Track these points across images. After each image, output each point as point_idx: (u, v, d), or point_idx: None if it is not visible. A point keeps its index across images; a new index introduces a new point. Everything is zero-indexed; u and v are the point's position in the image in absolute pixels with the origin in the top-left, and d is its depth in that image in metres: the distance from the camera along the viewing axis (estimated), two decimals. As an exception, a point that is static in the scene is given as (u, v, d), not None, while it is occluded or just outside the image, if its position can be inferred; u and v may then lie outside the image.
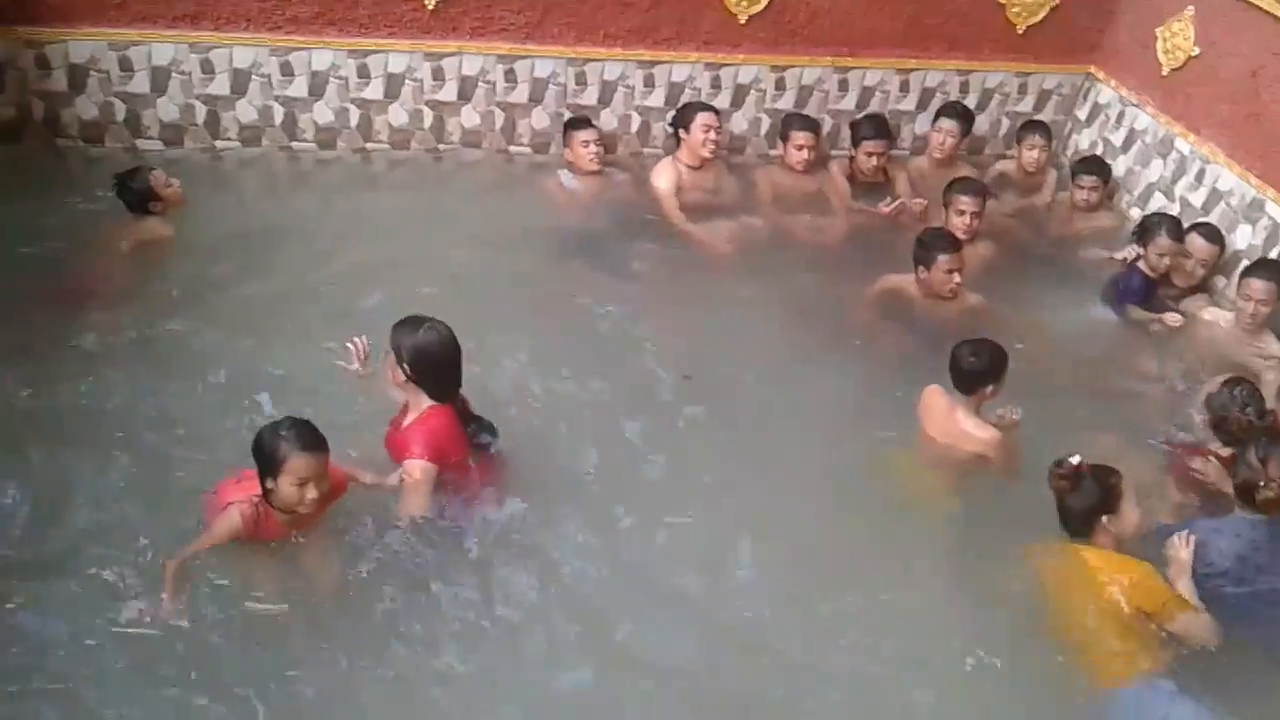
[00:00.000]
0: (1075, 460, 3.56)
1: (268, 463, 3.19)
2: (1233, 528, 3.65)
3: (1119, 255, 5.48)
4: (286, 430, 3.19)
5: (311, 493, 3.21)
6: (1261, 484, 3.55)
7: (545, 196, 5.62)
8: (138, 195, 4.69)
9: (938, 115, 6.12)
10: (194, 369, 4.17)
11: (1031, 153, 6.17)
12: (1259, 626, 3.59)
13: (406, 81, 5.55)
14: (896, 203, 5.77)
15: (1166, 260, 5.23)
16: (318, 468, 3.21)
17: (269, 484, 3.21)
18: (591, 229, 5.49)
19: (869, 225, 5.79)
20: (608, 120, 5.89)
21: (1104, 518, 3.56)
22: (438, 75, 5.57)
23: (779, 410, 4.54)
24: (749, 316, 5.08)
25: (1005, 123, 6.53)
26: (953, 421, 4.12)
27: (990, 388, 4.10)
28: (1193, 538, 3.61)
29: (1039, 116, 6.46)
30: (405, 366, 3.55)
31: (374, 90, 5.54)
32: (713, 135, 5.67)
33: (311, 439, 3.21)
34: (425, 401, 3.62)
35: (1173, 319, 5.18)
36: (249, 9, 5.21)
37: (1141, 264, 5.29)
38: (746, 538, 3.86)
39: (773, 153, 6.16)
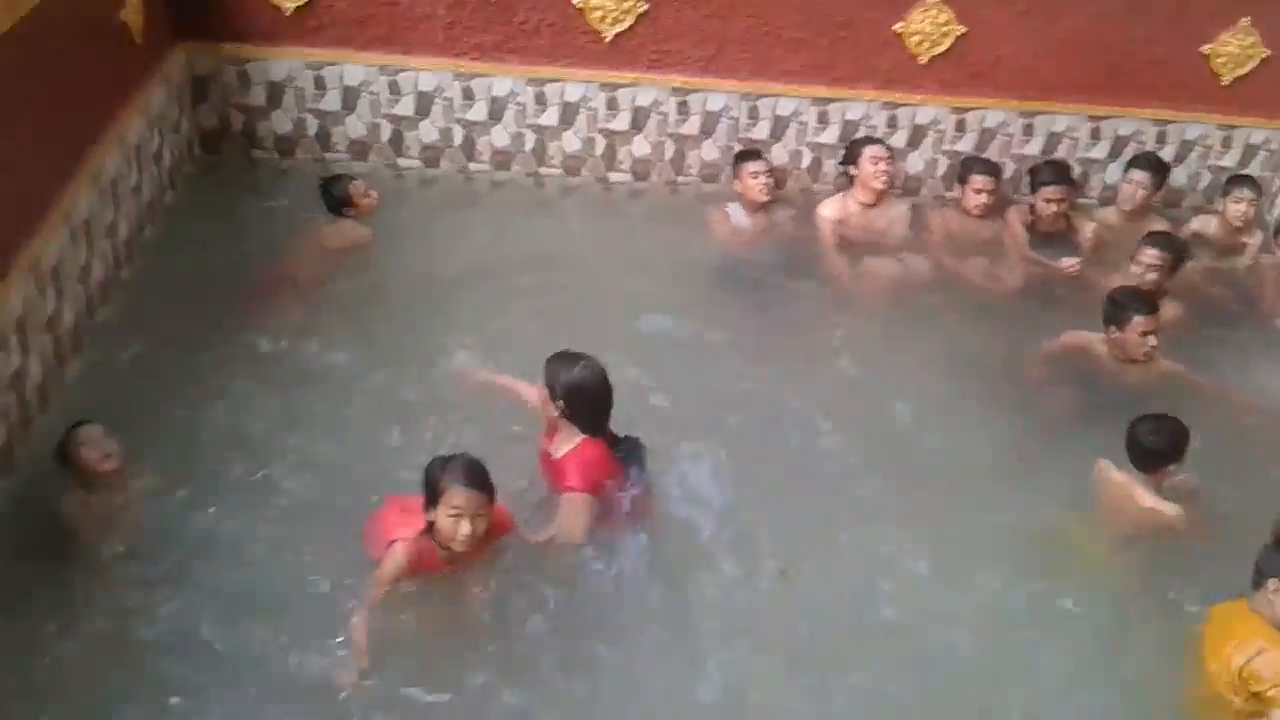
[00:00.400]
0: None
1: (430, 491, 3.24)
2: None
3: None
4: (453, 463, 3.25)
5: (466, 528, 3.22)
6: None
7: (711, 228, 5.58)
8: (336, 199, 5.03)
9: (1129, 165, 5.79)
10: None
11: (1238, 206, 5.75)
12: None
13: (582, 110, 5.65)
14: (1075, 263, 5.48)
15: None
16: (477, 504, 3.23)
17: (430, 514, 3.26)
18: (755, 263, 5.45)
19: (1045, 277, 5.51)
20: (779, 155, 5.84)
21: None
22: (612, 105, 5.64)
23: (938, 464, 4.34)
24: (909, 362, 4.90)
25: (1206, 176, 6.15)
26: (1130, 500, 3.89)
27: (1171, 467, 3.87)
28: None
29: (1244, 172, 6.05)
30: (560, 402, 3.60)
31: (550, 117, 5.66)
32: (883, 166, 5.55)
33: (475, 476, 3.25)
34: (578, 434, 3.65)
35: None
36: (436, 35, 5.41)
37: None
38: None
39: (949, 195, 5.97)
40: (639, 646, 3.49)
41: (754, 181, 5.55)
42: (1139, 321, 4.52)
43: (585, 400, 3.61)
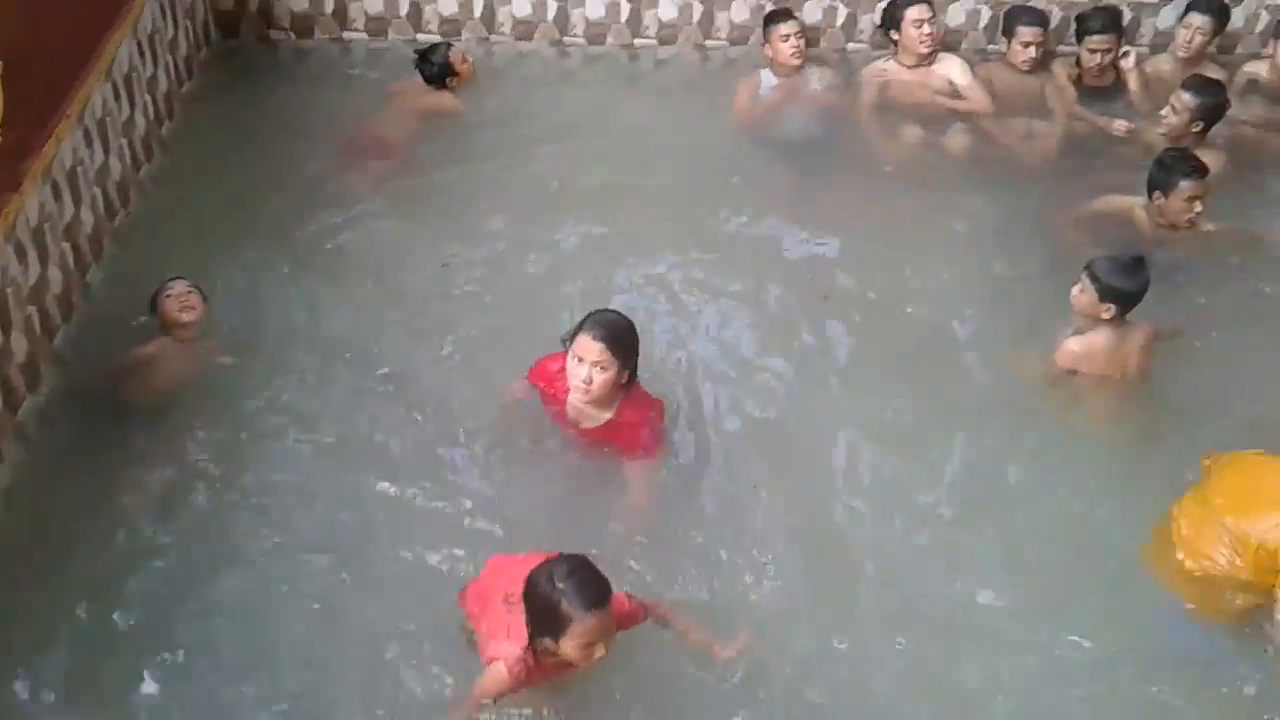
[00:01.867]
0: None
1: (548, 623, 2.69)
2: None
3: None
4: (569, 585, 2.67)
5: (601, 652, 2.73)
6: None
7: (742, 95, 5.39)
8: (437, 68, 5.12)
9: (1187, 9, 5.47)
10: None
11: (1302, 49, 5.48)
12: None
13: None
14: (1126, 126, 5.27)
15: None
16: (606, 625, 2.71)
17: (548, 644, 2.72)
18: (789, 134, 5.30)
19: (1094, 134, 5.33)
20: (811, 12, 5.62)
21: None
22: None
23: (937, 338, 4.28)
24: (945, 238, 4.80)
25: (1264, 17, 5.81)
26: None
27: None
28: None
29: (1300, 11, 5.73)
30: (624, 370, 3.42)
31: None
32: (927, 29, 5.32)
33: (597, 593, 2.69)
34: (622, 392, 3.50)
35: None
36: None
37: None
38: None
39: (991, 48, 5.73)
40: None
41: (784, 45, 5.34)
42: (1185, 186, 4.37)
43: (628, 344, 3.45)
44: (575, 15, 5.59)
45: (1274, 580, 3.17)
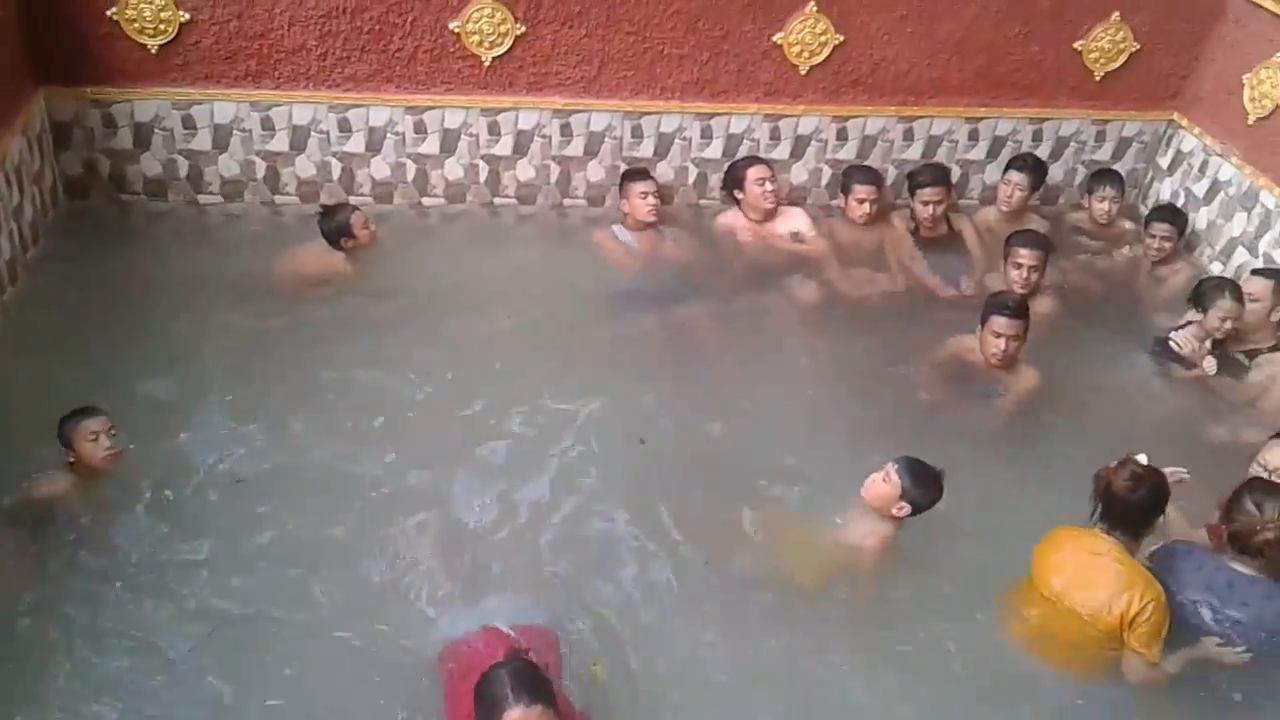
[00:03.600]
0: (1144, 459, 3.64)
1: (486, 713, 3.03)
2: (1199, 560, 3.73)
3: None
4: (501, 679, 3.02)
5: None
6: (1258, 528, 3.56)
7: (601, 251, 5.67)
8: (334, 227, 5.21)
9: (1007, 167, 6.03)
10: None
11: (1102, 205, 6.05)
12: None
13: (463, 136, 5.68)
14: (954, 293, 5.69)
15: (1229, 324, 5.07)
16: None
17: None
18: (646, 285, 5.54)
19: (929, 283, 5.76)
20: (664, 172, 5.94)
21: (1159, 518, 3.69)
22: (494, 130, 5.68)
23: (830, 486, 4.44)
24: (803, 381, 5.08)
25: (1081, 171, 6.41)
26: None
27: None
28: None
29: (1118, 165, 6.34)
30: None
31: (430, 145, 5.68)
32: (769, 187, 5.72)
33: (531, 691, 3.01)
34: None
35: (1207, 365, 5.10)
36: (308, 67, 5.38)
37: (1179, 336, 5.13)
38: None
39: (834, 204, 6.13)
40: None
41: (642, 202, 5.64)
42: (994, 322, 4.74)
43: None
44: (435, 176, 5.77)
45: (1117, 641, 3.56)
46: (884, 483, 3.89)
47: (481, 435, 4.48)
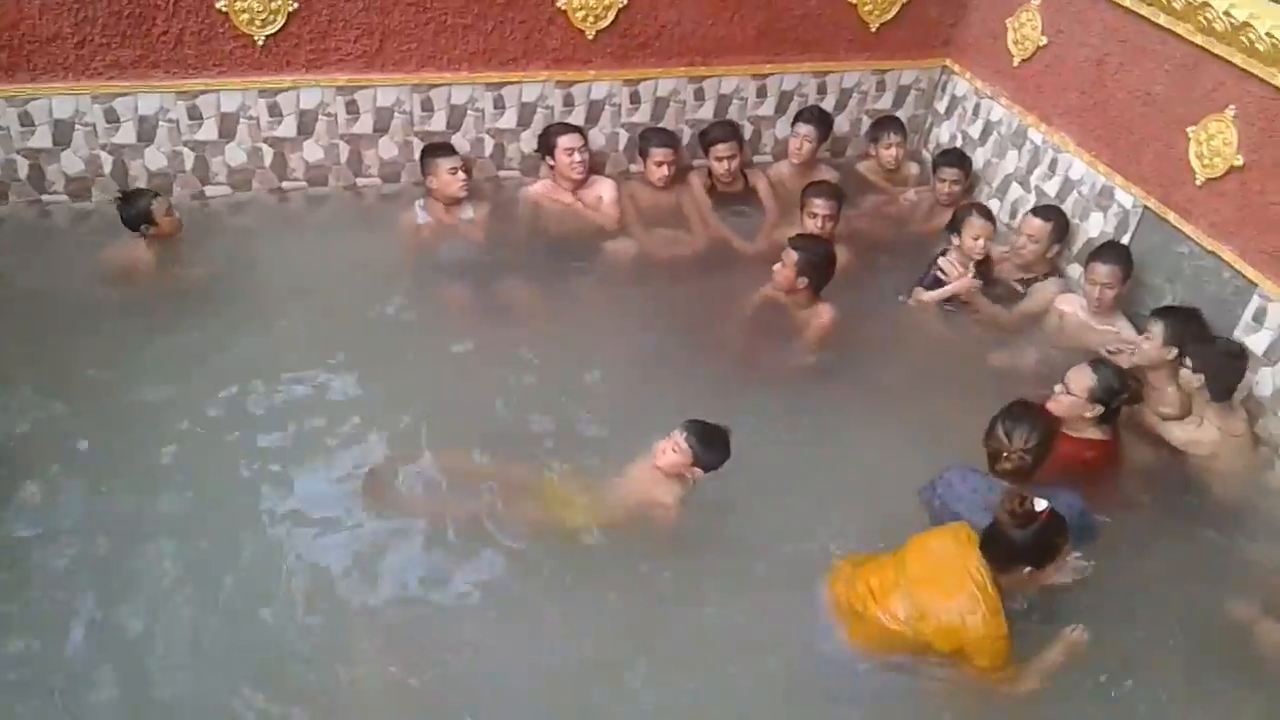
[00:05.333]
0: (1041, 507, 3.47)
1: None
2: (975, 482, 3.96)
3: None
4: None
5: None
6: (1004, 454, 3.84)
7: (403, 229, 5.61)
8: (135, 213, 5.02)
9: (795, 120, 6.26)
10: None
11: (888, 151, 6.36)
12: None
13: (242, 120, 5.51)
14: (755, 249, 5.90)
15: (982, 242, 5.46)
16: None
17: None
18: (453, 260, 5.53)
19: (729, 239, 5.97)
20: (460, 145, 5.89)
21: (1028, 569, 3.51)
22: (274, 111, 5.54)
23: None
24: (612, 344, 5.19)
25: (865, 121, 6.70)
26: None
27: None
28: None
29: (898, 113, 6.66)
30: None
31: (208, 131, 5.50)
32: (577, 156, 5.76)
33: None
34: None
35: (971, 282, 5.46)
36: (66, 56, 5.12)
37: (943, 261, 5.52)
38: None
39: (634, 167, 6.24)
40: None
41: (452, 177, 5.56)
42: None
43: None
44: (215, 163, 5.59)
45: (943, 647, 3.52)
46: (674, 452, 4.02)
47: (273, 418, 4.47)
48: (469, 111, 5.87)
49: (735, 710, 3.61)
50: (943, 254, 5.57)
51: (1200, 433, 4.58)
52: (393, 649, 3.64)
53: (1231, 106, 4.82)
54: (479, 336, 5.10)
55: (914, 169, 6.52)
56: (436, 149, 5.67)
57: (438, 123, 5.84)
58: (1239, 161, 4.79)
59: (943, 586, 3.52)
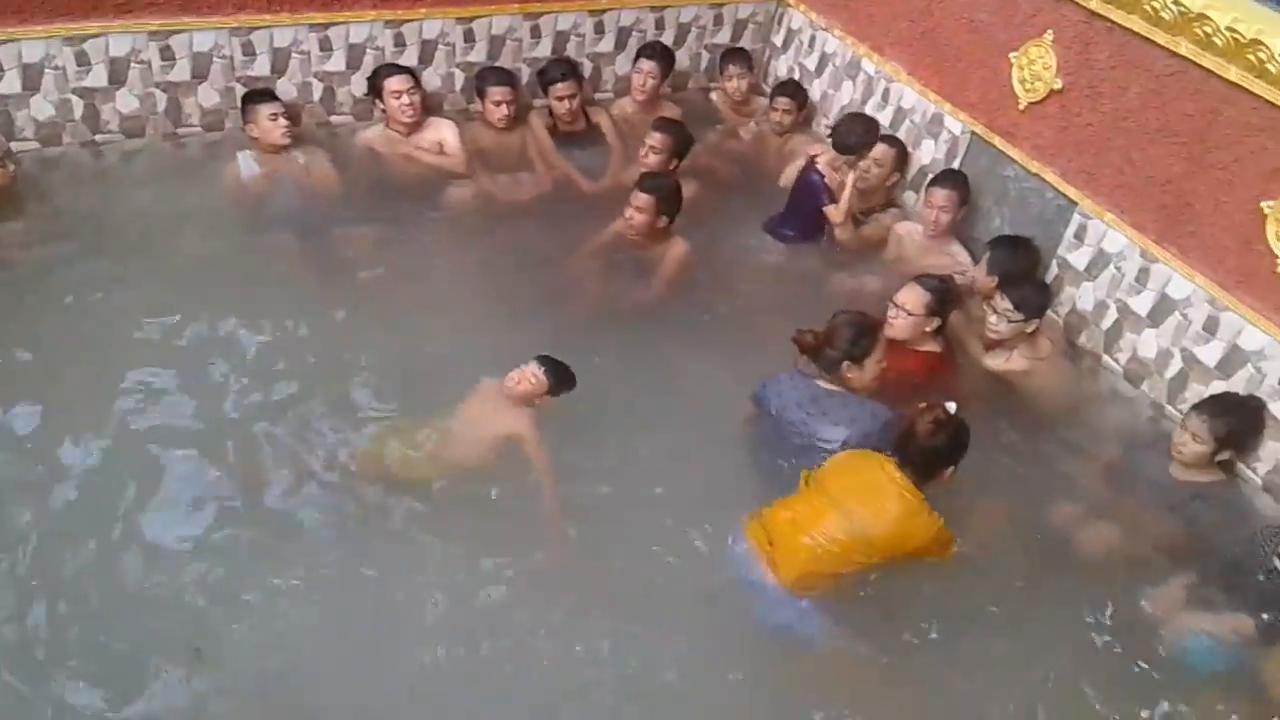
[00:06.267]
0: (953, 408, 3.70)
1: None
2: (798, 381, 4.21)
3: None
4: None
5: None
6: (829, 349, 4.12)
7: (229, 181, 5.37)
8: None
9: (637, 56, 6.22)
10: None
11: (731, 82, 6.42)
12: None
13: (47, 70, 5.18)
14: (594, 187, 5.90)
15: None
16: None
17: None
18: (285, 212, 5.33)
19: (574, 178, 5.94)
20: (286, 90, 5.69)
21: (950, 470, 3.75)
22: (82, 60, 5.22)
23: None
24: (459, 290, 5.14)
25: (705, 56, 6.73)
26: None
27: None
28: None
29: (738, 46, 6.68)
30: None
31: (9, 85, 5.15)
32: (406, 99, 5.61)
33: None
34: None
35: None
36: None
37: (821, 165, 5.65)
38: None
39: (472, 108, 6.13)
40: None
41: (272, 124, 5.35)
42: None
43: None
44: (21, 117, 5.25)
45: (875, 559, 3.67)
46: (530, 381, 4.13)
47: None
48: (294, 54, 5.65)
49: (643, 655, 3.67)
50: (808, 169, 5.61)
51: (1010, 364, 4.84)
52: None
53: (1050, 31, 5.01)
54: (314, 290, 4.97)
55: (761, 101, 6.57)
56: (255, 95, 5.44)
57: (261, 67, 5.60)
58: (1058, 85, 5.00)
59: (875, 498, 3.68)
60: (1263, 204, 4.26)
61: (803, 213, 5.66)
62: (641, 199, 5.05)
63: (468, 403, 4.23)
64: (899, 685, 3.70)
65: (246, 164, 5.38)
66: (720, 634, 3.76)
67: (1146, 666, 3.76)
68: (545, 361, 4.19)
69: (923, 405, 3.74)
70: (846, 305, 4.46)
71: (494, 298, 5.11)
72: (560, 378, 4.18)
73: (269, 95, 5.47)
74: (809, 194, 5.63)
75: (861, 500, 3.68)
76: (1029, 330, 4.73)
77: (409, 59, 5.87)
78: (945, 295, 4.61)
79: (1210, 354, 4.54)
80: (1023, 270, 4.98)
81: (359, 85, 5.84)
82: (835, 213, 5.49)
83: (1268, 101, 4.16)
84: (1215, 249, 4.50)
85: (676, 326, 5.04)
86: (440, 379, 4.51)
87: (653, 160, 5.48)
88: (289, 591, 3.67)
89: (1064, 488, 4.40)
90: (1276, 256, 4.24)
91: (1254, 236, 4.33)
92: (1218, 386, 4.49)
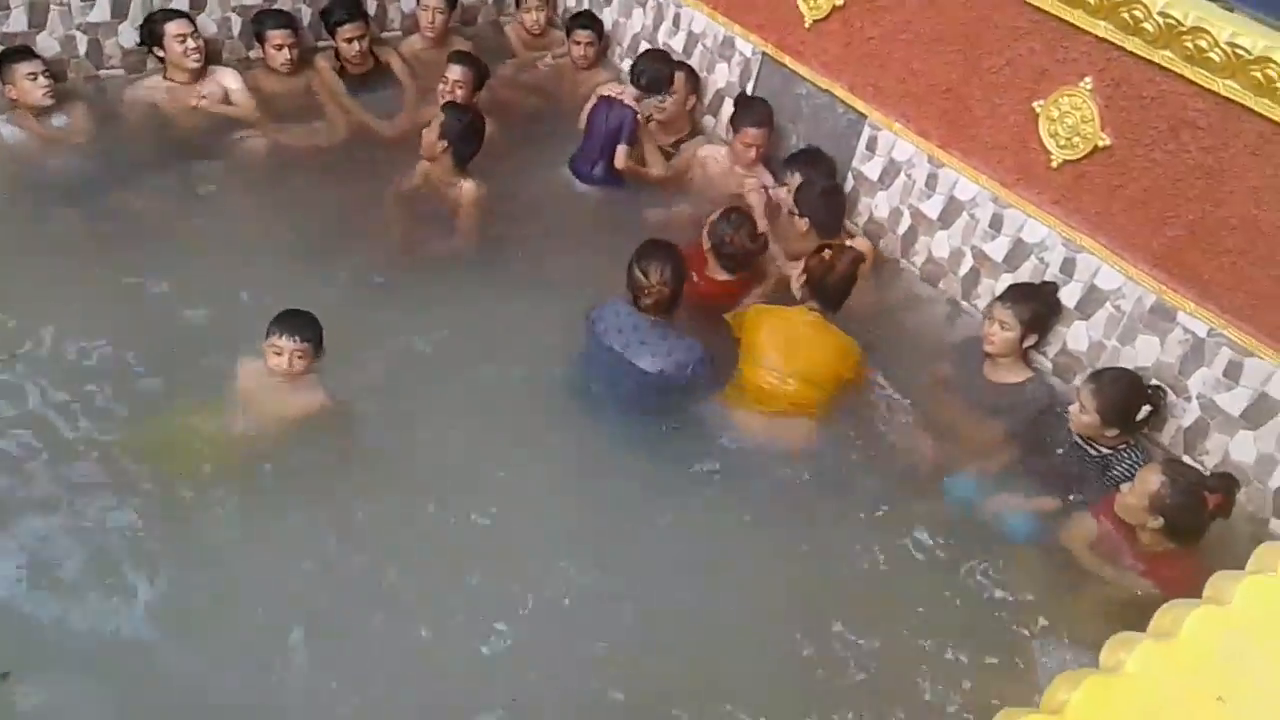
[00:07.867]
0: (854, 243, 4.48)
1: None
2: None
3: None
4: None
5: None
6: (644, 290, 4.21)
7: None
8: None
9: (419, -11, 6.09)
10: None
11: (530, 15, 6.38)
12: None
13: None
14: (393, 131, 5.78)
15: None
16: None
17: None
18: (55, 178, 5.04)
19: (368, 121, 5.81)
20: (47, 45, 5.33)
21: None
22: None
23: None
24: (252, 247, 4.96)
25: (492, -11, 6.65)
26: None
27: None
28: None
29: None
30: None
31: None
32: (190, 44, 5.38)
33: None
34: None
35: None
36: None
37: (607, 89, 5.69)
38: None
39: (253, 55, 5.87)
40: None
41: (32, 85, 5.03)
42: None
43: None
44: None
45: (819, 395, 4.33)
46: (299, 358, 3.91)
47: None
48: (52, 6, 5.28)
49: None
50: (611, 105, 5.55)
51: None
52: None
53: (828, -52, 5.19)
54: (93, 261, 4.71)
55: (559, 35, 6.52)
56: (10, 54, 5.11)
57: (17, 22, 5.22)
58: (840, 1, 5.18)
59: (812, 345, 4.34)
60: (1034, 104, 4.56)
61: (610, 152, 5.60)
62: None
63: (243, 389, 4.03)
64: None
65: (7, 129, 5.03)
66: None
67: (973, 537, 4.10)
68: (293, 326, 3.89)
69: (836, 246, 4.47)
70: (659, 235, 4.55)
71: (291, 254, 4.92)
72: (316, 329, 3.94)
73: (28, 53, 5.14)
74: (619, 132, 5.55)
75: (794, 346, 4.31)
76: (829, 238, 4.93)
77: (179, 4, 5.56)
78: (745, 233, 4.72)
79: (997, 249, 4.85)
80: (827, 177, 5.23)
81: (128, 36, 5.52)
82: (621, 156, 5.52)
83: (1032, 4, 4.43)
84: (995, 150, 4.79)
85: (487, 270, 5.02)
86: (233, 345, 4.24)
87: (460, 95, 5.41)
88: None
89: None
90: (1049, 153, 4.56)
91: (1028, 135, 4.63)
92: (1006, 279, 4.81)
